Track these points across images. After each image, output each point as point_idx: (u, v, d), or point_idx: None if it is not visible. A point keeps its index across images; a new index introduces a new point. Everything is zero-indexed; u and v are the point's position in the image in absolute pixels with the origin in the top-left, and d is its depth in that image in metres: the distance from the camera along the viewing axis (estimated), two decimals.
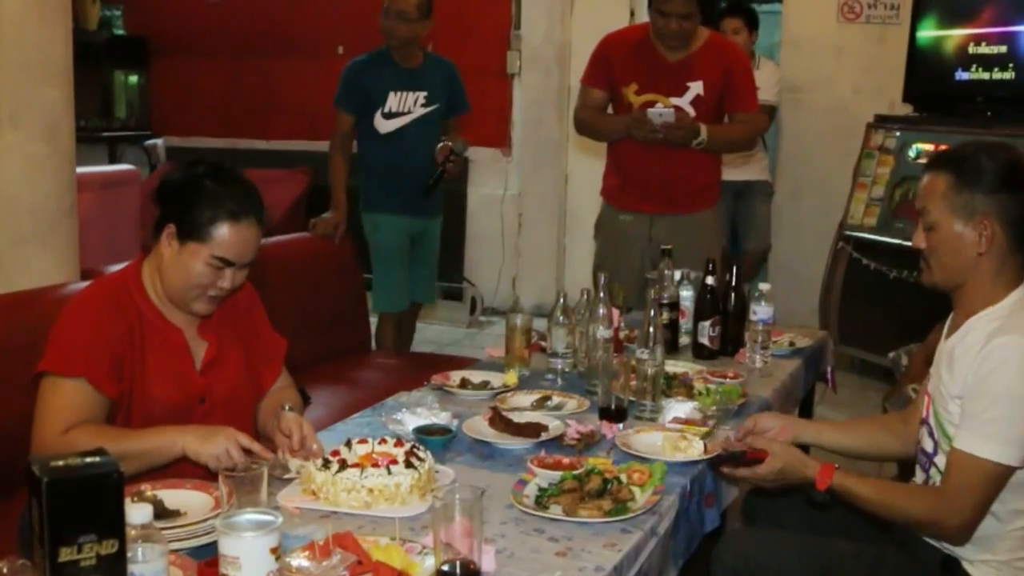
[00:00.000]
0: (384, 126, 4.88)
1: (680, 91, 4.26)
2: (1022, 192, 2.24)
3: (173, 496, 2.07)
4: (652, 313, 2.80)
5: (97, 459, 1.30)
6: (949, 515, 2.17)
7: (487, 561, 1.81)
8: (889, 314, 5.60)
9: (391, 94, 4.85)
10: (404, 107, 4.88)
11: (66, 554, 1.31)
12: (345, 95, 4.94)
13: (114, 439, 2.21)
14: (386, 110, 4.85)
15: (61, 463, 1.31)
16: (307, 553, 1.76)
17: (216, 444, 2.21)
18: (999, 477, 2.16)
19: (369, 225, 5.01)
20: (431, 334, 7.23)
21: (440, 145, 4.87)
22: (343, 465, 2.13)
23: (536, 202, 7.69)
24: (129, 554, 1.41)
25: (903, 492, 2.30)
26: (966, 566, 2.24)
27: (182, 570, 1.70)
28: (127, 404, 2.40)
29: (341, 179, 4.97)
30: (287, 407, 2.43)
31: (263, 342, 2.71)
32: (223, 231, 2.37)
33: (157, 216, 2.46)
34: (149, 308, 2.46)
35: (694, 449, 2.45)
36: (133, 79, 8.73)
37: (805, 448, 2.57)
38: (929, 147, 5.72)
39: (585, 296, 3.21)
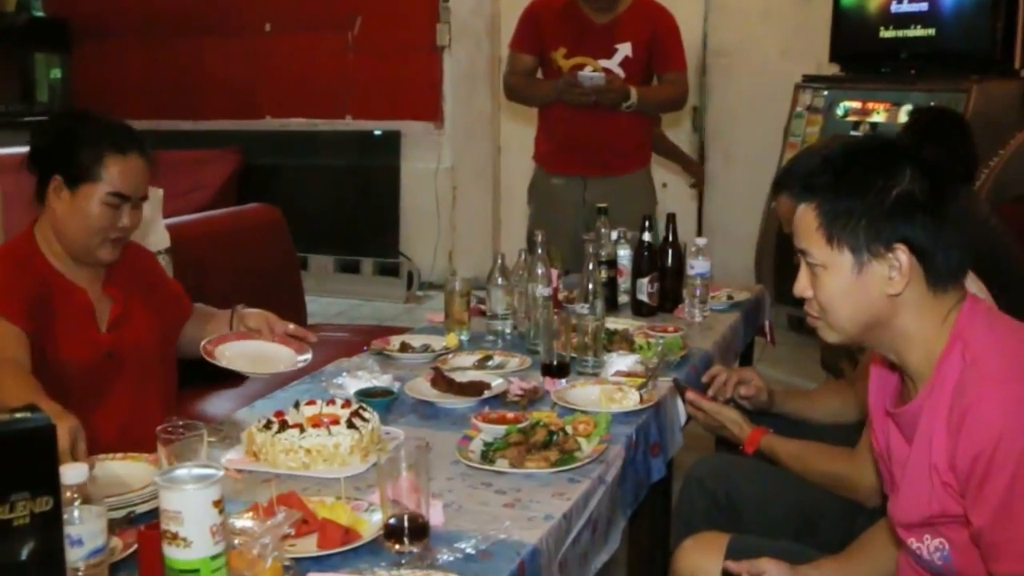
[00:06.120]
0: None
1: (609, 53, 4.27)
2: None
3: (110, 467, 2.02)
4: (591, 267, 2.79)
5: (28, 414, 1.25)
6: (858, 474, 2.21)
7: (435, 515, 1.79)
8: None
9: None
10: None
11: None
12: None
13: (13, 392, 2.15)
14: None
15: None
16: (251, 514, 1.74)
17: None
18: None
19: None
20: (368, 310, 7.19)
21: None
22: (283, 426, 2.10)
23: (470, 175, 7.66)
24: (65, 516, 1.36)
25: (821, 453, 2.33)
26: None
27: (121, 539, 1.65)
28: (38, 358, 2.35)
29: None
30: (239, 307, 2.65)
31: (170, 291, 2.76)
32: (113, 165, 2.38)
33: (36, 180, 2.44)
34: (50, 271, 2.45)
35: (630, 400, 2.45)
36: (54, 62, 8.53)
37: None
38: (857, 104, 5.80)
39: (523, 256, 3.19)
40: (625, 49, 4.24)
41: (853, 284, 1.66)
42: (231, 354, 2.54)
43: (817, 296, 1.71)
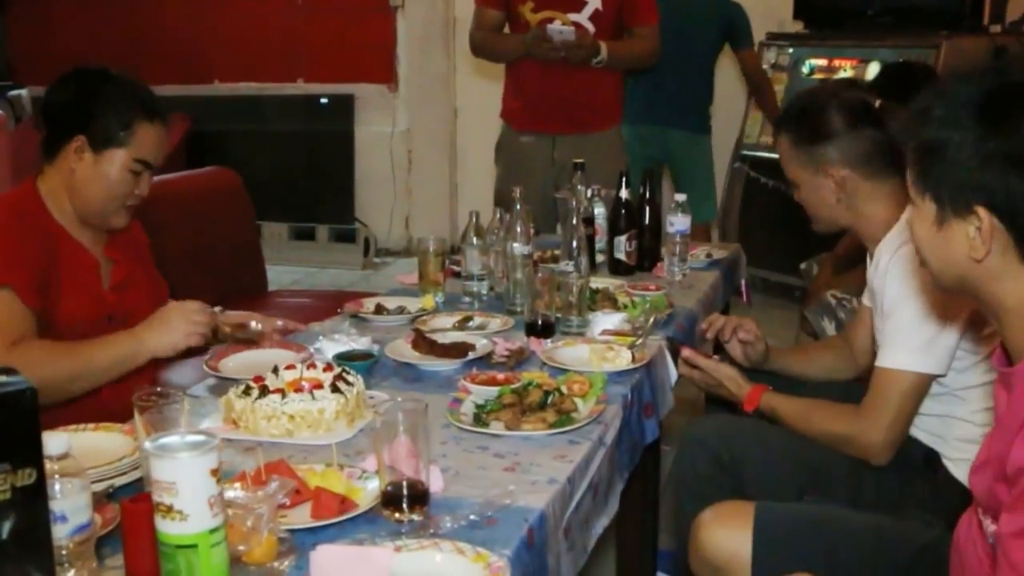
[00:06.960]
0: None
1: (578, 7, 4.14)
2: (858, 128, 2.23)
3: (83, 438, 1.89)
4: (573, 221, 2.69)
5: (4, 377, 1.13)
6: (866, 430, 2.15)
7: (434, 480, 1.69)
8: (790, 231, 5.58)
9: None
10: None
11: None
12: None
13: (70, 354, 2.17)
14: None
15: None
16: (238, 484, 1.62)
17: (175, 330, 2.21)
18: (913, 388, 2.12)
19: None
20: (325, 278, 7.05)
21: None
22: (263, 391, 1.98)
23: (426, 138, 7.52)
24: None
25: (825, 410, 2.26)
26: (946, 463, 2.19)
27: (99, 514, 1.53)
28: (48, 320, 2.29)
29: None
30: (218, 308, 2.47)
31: (154, 269, 2.71)
32: (142, 132, 2.35)
33: (46, 136, 2.37)
34: (56, 228, 2.37)
35: (622, 359, 2.36)
36: None
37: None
38: (823, 62, 5.73)
39: (497, 215, 3.08)
40: (595, 2, 4.11)
41: (935, 237, 1.45)
42: (235, 366, 2.39)
43: (912, 232, 1.52)
